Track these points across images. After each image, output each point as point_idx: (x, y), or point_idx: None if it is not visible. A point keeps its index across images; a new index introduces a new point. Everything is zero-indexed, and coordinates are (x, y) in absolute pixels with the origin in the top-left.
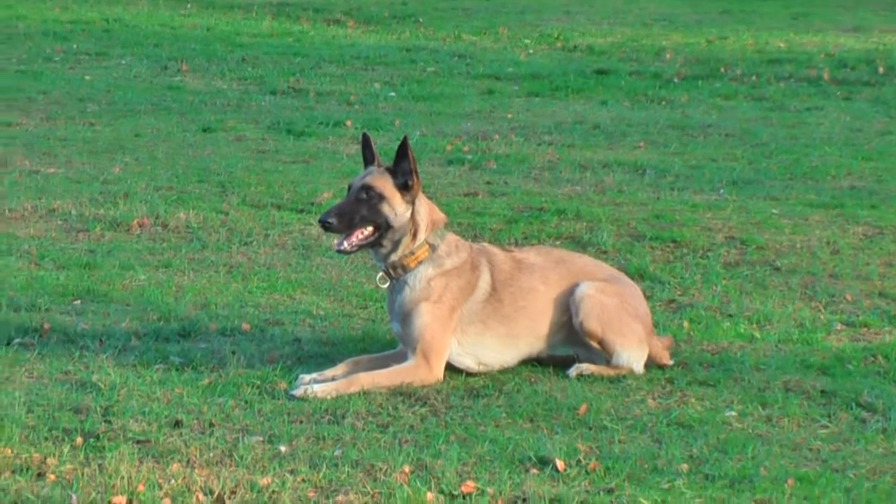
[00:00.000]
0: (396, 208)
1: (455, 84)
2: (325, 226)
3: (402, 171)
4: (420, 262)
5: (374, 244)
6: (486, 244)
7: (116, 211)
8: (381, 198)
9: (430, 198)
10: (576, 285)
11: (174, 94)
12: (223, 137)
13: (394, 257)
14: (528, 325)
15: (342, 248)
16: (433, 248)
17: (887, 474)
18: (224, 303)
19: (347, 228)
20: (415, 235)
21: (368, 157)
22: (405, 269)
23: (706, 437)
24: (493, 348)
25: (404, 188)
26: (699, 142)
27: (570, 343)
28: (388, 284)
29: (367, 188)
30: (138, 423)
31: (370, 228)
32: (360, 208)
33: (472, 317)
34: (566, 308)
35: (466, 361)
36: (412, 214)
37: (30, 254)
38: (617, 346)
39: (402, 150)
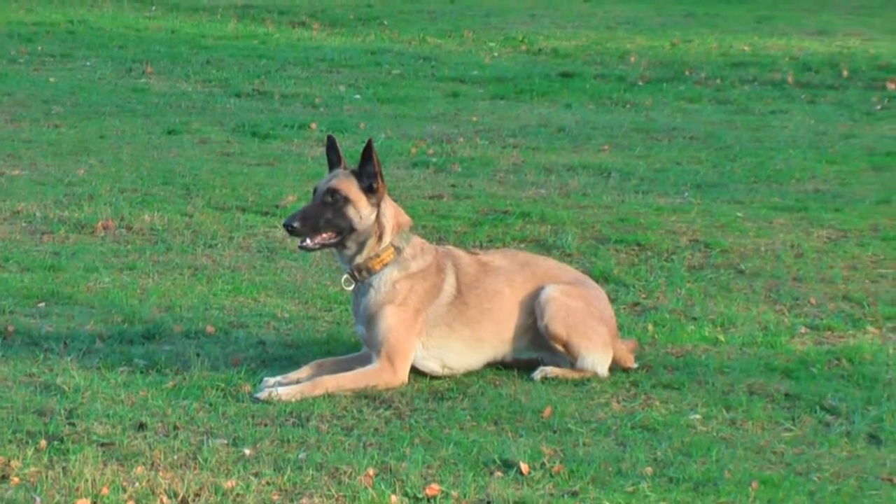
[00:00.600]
0: (362, 211)
1: (420, 87)
2: (290, 230)
3: (368, 174)
4: (385, 265)
5: (337, 245)
6: (451, 247)
7: (81, 213)
8: (347, 201)
9: (395, 200)
10: (541, 288)
11: (139, 97)
12: (188, 140)
13: (359, 260)
14: (494, 327)
15: (305, 244)
16: (398, 250)
17: (851, 477)
18: (188, 305)
19: (312, 232)
20: (380, 238)
21: (334, 160)
22: (370, 272)
23: (670, 440)
24: (458, 351)
25: (369, 191)
26: (663, 145)
27: (535, 346)
28: (352, 287)
29: (333, 191)
30: (102, 426)
31: (334, 231)
32: (325, 212)
33: (437, 320)
34: (531, 311)
35: (431, 365)
36: (377, 217)
37: None
38: (581, 349)
39: (367, 153)
